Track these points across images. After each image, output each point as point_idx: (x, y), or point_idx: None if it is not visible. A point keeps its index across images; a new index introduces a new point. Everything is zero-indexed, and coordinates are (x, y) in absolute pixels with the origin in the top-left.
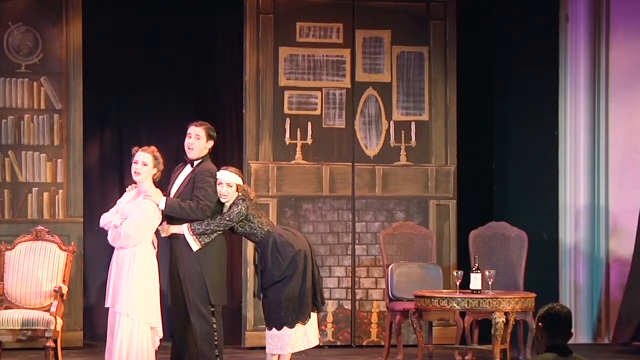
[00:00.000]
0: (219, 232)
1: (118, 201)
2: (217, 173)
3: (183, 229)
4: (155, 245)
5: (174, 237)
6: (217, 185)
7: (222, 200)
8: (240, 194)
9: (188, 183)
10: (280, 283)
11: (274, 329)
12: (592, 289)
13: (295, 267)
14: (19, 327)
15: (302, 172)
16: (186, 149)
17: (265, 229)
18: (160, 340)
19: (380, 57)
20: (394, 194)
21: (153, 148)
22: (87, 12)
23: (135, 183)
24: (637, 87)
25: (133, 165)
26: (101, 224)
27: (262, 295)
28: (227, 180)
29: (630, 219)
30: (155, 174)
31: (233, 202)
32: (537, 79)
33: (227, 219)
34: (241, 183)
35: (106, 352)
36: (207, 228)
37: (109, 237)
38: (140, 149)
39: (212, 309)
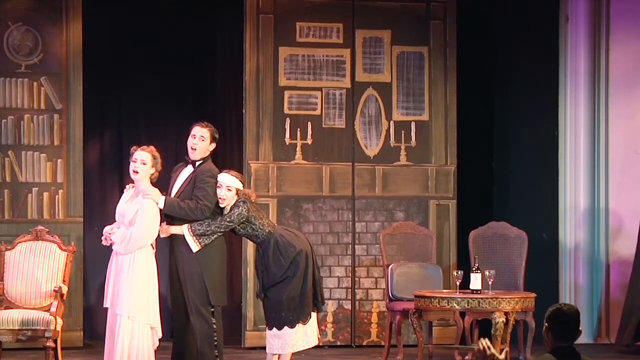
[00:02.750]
0: (219, 234)
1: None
2: (218, 175)
3: (183, 229)
4: (154, 246)
5: (173, 237)
6: (217, 188)
7: (221, 204)
8: (240, 197)
9: (189, 183)
10: (281, 283)
11: (274, 328)
12: (592, 289)
13: (296, 267)
14: (19, 327)
15: (302, 172)
16: (189, 149)
17: (267, 230)
18: (159, 340)
19: (380, 57)
20: (394, 194)
21: (152, 148)
22: (87, 12)
23: (134, 183)
24: (637, 87)
25: (131, 164)
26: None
27: (263, 295)
28: (227, 184)
29: (630, 219)
30: (153, 174)
31: (234, 204)
32: (537, 79)
33: (228, 220)
34: (241, 187)
35: (105, 353)
36: (208, 229)
37: (117, 248)
38: (139, 148)
39: (212, 310)
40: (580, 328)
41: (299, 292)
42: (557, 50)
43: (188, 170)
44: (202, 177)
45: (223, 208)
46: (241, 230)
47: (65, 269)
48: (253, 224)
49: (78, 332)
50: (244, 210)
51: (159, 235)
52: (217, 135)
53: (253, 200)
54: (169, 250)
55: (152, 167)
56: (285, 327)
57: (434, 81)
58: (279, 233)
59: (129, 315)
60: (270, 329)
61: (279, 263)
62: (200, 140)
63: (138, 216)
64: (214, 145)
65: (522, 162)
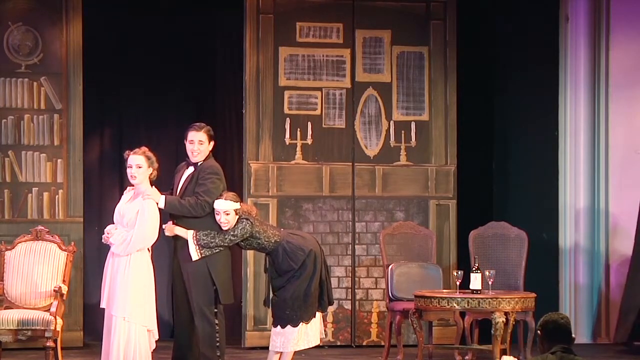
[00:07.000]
0: (221, 248)
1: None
2: (214, 203)
3: (188, 235)
4: (150, 249)
5: (177, 238)
6: (216, 215)
7: (224, 228)
8: (241, 215)
9: (191, 181)
10: (288, 283)
11: (279, 326)
12: (592, 289)
13: (304, 268)
14: (19, 327)
15: (302, 172)
16: (189, 154)
17: (273, 240)
18: (156, 341)
19: (380, 57)
20: (394, 194)
21: (144, 149)
22: (87, 12)
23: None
24: (637, 87)
25: (128, 170)
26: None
27: (272, 298)
28: (224, 209)
29: (630, 219)
30: (151, 174)
31: (237, 221)
32: (537, 79)
33: (232, 233)
34: (238, 207)
35: (103, 353)
36: (212, 241)
37: (117, 250)
38: (131, 153)
39: (216, 310)
40: (573, 335)
41: (304, 292)
42: (557, 50)
43: (190, 169)
44: (203, 174)
45: None
46: (247, 245)
47: (65, 269)
48: (258, 239)
49: (78, 332)
50: (247, 225)
51: (162, 233)
52: (212, 133)
53: (254, 215)
54: (172, 251)
55: (149, 167)
56: (289, 326)
57: (434, 81)
58: (286, 240)
59: (125, 316)
60: (275, 326)
61: (290, 268)
62: (199, 145)
63: (139, 219)
64: (212, 144)
65: (522, 162)
